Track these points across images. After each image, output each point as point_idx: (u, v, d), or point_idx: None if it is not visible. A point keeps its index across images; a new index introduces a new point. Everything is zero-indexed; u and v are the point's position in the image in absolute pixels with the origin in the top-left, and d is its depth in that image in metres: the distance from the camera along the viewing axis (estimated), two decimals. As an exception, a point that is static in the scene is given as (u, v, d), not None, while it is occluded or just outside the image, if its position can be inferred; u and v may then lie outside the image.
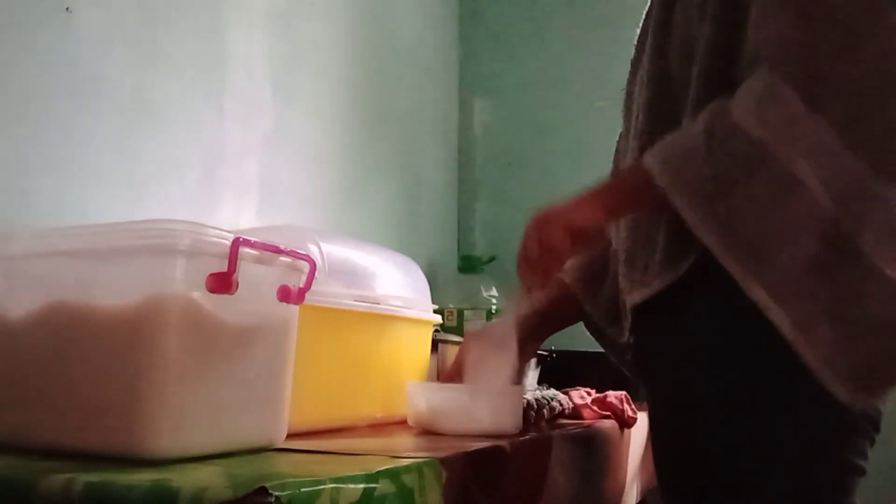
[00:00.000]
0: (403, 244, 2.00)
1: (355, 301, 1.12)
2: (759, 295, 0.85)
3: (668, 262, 0.97)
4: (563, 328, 1.28)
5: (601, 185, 1.01)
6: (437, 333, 1.40)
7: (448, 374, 1.23)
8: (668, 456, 1.02)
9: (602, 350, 1.27)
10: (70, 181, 1.20)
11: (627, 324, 1.10)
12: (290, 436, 0.89)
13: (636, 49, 1.12)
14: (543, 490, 1.05)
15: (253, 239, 0.79)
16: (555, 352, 1.57)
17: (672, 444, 1.01)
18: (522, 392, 1.18)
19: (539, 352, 1.50)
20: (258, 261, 0.82)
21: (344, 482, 0.65)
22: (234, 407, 0.80)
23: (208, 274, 0.75)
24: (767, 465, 0.90)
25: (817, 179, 0.84)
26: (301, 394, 0.92)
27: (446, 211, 2.44)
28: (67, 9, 1.20)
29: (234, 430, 0.81)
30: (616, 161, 1.21)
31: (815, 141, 0.84)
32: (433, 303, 1.35)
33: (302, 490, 0.61)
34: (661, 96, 1.02)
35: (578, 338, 1.30)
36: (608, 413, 1.35)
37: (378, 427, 1.17)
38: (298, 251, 0.87)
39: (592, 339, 1.27)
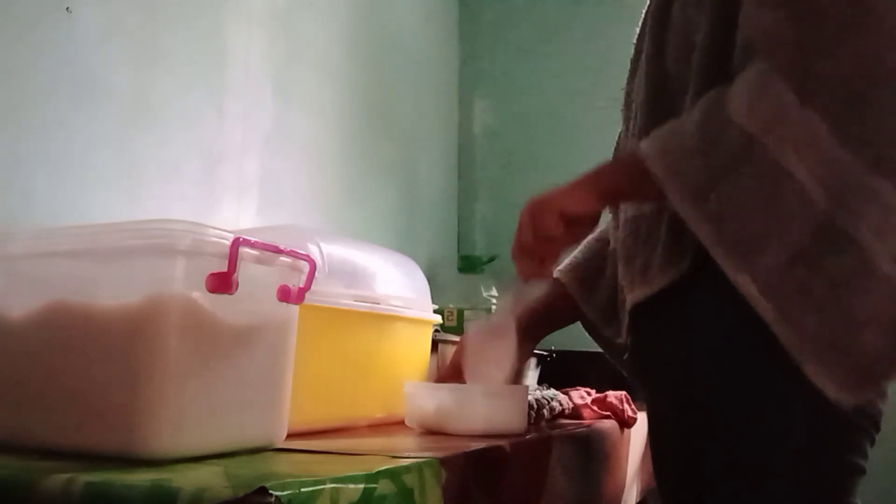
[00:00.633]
0: (403, 244, 2.00)
1: (355, 301, 1.12)
2: (747, 288, 0.85)
3: (670, 259, 0.97)
4: (560, 328, 1.27)
5: (596, 169, 1.00)
6: (437, 333, 1.40)
7: (443, 374, 1.22)
8: (667, 455, 1.02)
9: (602, 350, 1.27)
10: (70, 181, 1.20)
11: (625, 324, 1.10)
12: (290, 436, 0.89)
13: (635, 48, 1.12)
14: (543, 490, 1.05)
15: (253, 239, 0.79)
16: (555, 352, 1.57)
17: (672, 444, 1.00)
18: (528, 391, 1.18)
19: (539, 352, 1.50)
20: (258, 261, 0.82)
21: (344, 482, 0.65)
22: (234, 407, 0.80)
23: (208, 274, 0.75)
24: (768, 465, 0.90)
25: (809, 173, 0.83)
26: (301, 394, 0.92)
27: (446, 211, 2.44)
28: (67, 9, 1.20)
29: (234, 430, 0.81)
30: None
31: (807, 134, 0.84)
32: (433, 303, 1.35)
33: (302, 490, 0.61)
34: (659, 94, 1.02)
35: (578, 338, 1.30)
36: (608, 413, 1.35)
37: (378, 427, 1.17)
38: (298, 251, 0.87)
39: (592, 338, 1.27)
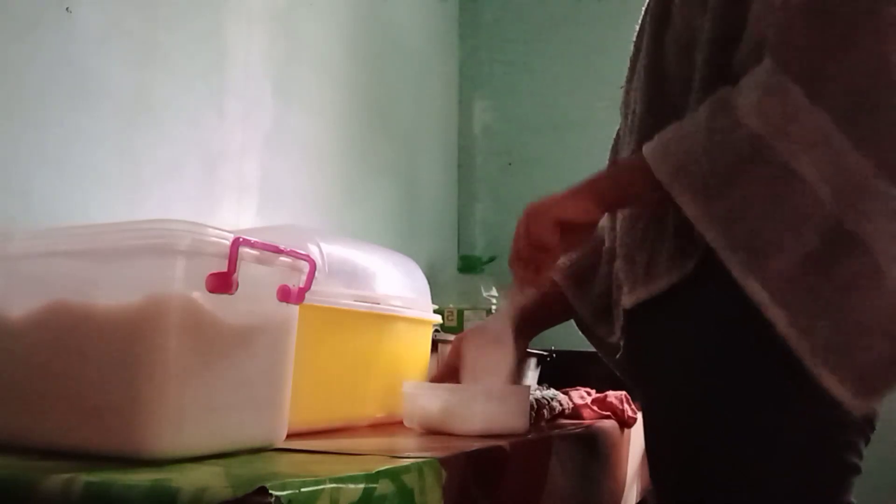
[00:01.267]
0: (403, 244, 2.00)
1: (355, 301, 1.12)
2: (757, 292, 0.84)
3: (676, 259, 0.96)
4: (551, 326, 1.27)
5: (595, 176, 1.00)
6: (437, 333, 1.40)
7: (438, 374, 1.22)
8: (666, 454, 1.02)
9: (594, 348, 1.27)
10: (70, 181, 1.20)
11: (619, 323, 1.09)
12: (290, 436, 0.89)
13: (634, 46, 1.12)
14: (543, 490, 1.05)
15: (253, 239, 0.79)
16: (555, 352, 1.57)
17: (671, 443, 1.00)
18: (529, 390, 1.18)
19: (539, 352, 1.51)
20: (258, 261, 0.82)
21: (344, 482, 0.65)
22: (234, 407, 0.80)
23: (208, 274, 0.75)
24: (767, 465, 0.90)
25: (818, 175, 0.83)
26: (301, 394, 0.92)
27: (446, 211, 2.44)
28: (67, 9, 1.20)
29: (234, 430, 0.81)
30: (613, 156, 1.20)
31: (816, 136, 0.83)
32: (433, 303, 1.35)
33: (302, 490, 0.61)
34: (657, 92, 1.02)
35: (578, 338, 1.30)
36: (608, 413, 1.35)
37: (378, 427, 1.16)
38: (298, 251, 0.87)
39: (585, 336, 1.27)
